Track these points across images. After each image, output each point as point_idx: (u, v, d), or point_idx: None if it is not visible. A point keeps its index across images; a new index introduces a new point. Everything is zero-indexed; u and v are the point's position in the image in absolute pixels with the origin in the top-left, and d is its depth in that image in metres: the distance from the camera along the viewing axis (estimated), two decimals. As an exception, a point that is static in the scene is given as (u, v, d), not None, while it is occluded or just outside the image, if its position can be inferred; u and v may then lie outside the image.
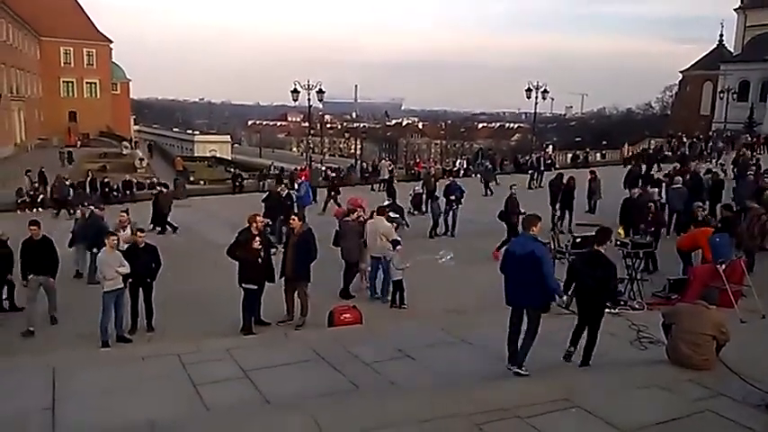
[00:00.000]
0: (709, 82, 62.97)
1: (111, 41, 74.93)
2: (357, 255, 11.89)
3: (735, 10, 63.27)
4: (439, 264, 10.97)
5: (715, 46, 65.61)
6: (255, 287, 9.68)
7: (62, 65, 70.85)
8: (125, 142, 58.07)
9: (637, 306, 10.24)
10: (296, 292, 10.09)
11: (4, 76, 50.42)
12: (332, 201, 22.70)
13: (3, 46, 51.95)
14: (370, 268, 11.85)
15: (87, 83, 72.89)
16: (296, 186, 22.56)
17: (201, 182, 36.87)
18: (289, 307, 10.19)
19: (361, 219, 12.29)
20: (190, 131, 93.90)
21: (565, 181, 18.84)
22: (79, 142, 60.30)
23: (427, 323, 9.81)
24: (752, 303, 9.62)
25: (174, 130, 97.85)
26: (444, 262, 10.87)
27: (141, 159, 45.21)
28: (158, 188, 22.43)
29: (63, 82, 71.36)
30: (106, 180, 28.06)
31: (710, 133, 48.43)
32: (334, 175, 27.81)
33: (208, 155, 70.80)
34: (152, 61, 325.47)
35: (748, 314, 9.33)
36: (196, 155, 72.09)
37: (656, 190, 17.48)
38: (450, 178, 22.29)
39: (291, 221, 10.46)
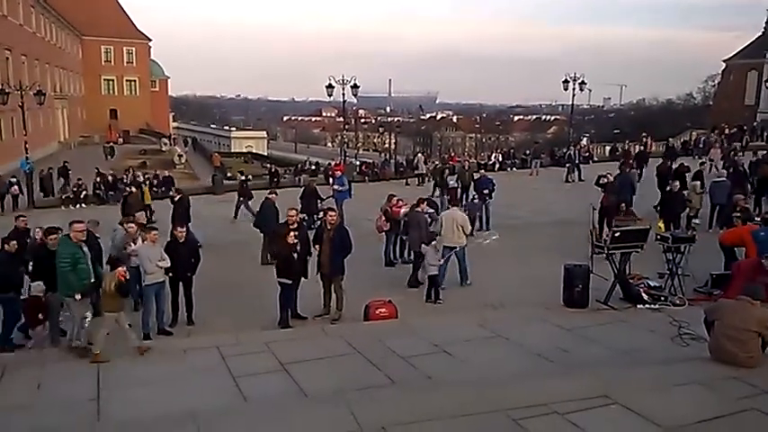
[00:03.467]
0: (754, 71, 61.04)
1: (149, 39, 76.37)
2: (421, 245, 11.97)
3: (781, -4, 61.18)
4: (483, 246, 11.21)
5: (760, 33, 63.62)
6: (291, 281, 9.78)
7: (103, 63, 72.62)
8: (164, 139, 59.21)
9: (678, 302, 10.04)
10: (332, 287, 10.18)
11: (48, 76, 51.86)
12: (243, 206, 20.57)
13: (47, 46, 53.45)
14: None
15: (127, 80, 74.55)
16: (330, 181, 22.44)
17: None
18: (326, 301, 10.29)
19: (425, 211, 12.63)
20: (227, 128, 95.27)
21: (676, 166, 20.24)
22: (121, 139, 61.75)
23: (464, 318, 9.79)
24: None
25: (212, 126, 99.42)
26: (489, 242, 11.18)
27: (180, 156, 46.05)
28: (127, 189, 21.53)
29: (104, 80, 73.16)
30: (147, 176, 28.67)
31: (754, 124, 47.05)
32: (243, 177, 24.01)
33: (244, 151, 71.71)
34: (189, 58, 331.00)
35: (795, 310, 9.04)
36: (233, 151, 73.12)
37: (698, 183, 17.12)
38: (482, 172, 22.02)
39: (328, 216, 10.51)
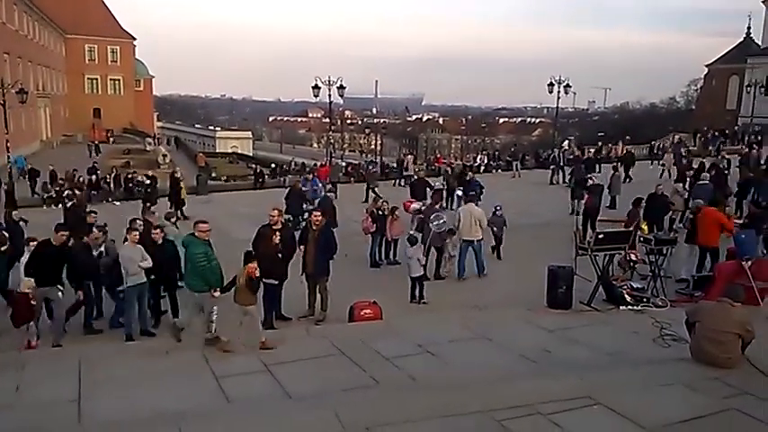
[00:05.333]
0: (736, 76, 61.86)
1: (134, 38, 75.79)
2: (438, 240, 12.49)
3: (762, 2, 62.10)
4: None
5: (742, 39, 64.44)
6: (275, 282, 9.73)
7: (86, 62, 71.92)
8: (148, 138, 58.75)
9: (660, 303, 10.12)
10: (317, 288, 10.15)
11: (31, 74, 51.25)
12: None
13: (29, 43, 52.83)
14: (456, 253, 12.56)
15: (111, 79, 73.87)
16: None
17: (223, 178, 37.17)
18: (310, 302, 10.25)
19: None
20: (211, 128, 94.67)
21: (696, 166, 21.13)
22: (112, 138, 61.25)
23: (448, 319, 9.81)
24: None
25: (196, 126, 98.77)
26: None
27: (164, 155, 45.68)
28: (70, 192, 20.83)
29: (87, 79, 72.44)
30: (130, 176, 28.44)
31: (735, 128, 47.66)
32: (148, 182, 23.78)
33: (229, 151, 71.35)
34: (174, 58, 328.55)
35: (775, 312, 9.16)
36: (217, 151, 72.70)
37: (681, 185, 17.32)
38: (470, 174, 22.18)
39: (313, 217, 10.50)
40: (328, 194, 15.69)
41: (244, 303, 8.20)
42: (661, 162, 28.04)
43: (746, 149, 29.48)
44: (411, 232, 12.04)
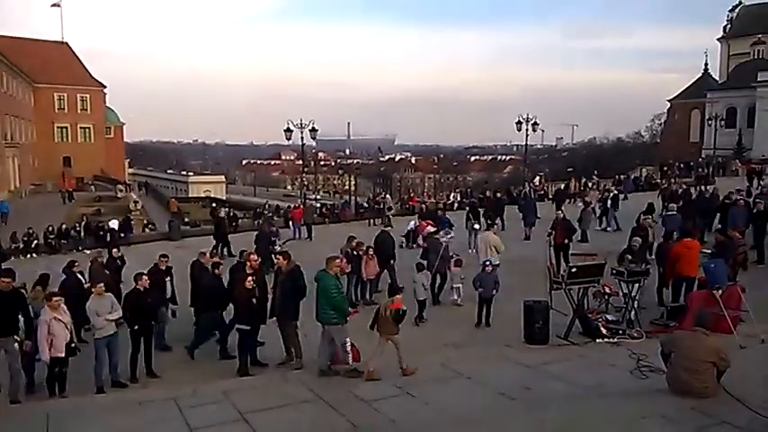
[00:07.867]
0: (697, 110, 63.89)
1: (104, 86, 75.64)
2: (443, 266, 13.34)
3: (718, 40, 64.72)
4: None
5: (700, 74, 66.77)
6: (249, 328, 9.55)
7: (56, 110, 71.23)
8: (119, 185, 58.17)
9: (635, 334, 10.19)
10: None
11: (-1, 124, 50.73)
12: None
13: (-2, 94, 52.43)
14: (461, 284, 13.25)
15: (81, 128, 73.16)
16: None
17: (197, 222, 36.79)
18: (287, 347, 10.02)
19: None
20: (184, 173, 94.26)
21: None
22: (92, 186, 60.62)
23: (426, 358, 9.72)
24: (751, 328, 9.58)
25: (169, 171, 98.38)
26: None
27: (136, 202, 45.16)
28: None
29: (57, 127, 71.64)
30: (101, 224, 28.00)
31: (699, 159, 48.91)
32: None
33: (202, 195, 70.91)
34: (145, 104, 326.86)
35: (747, 339, 9.28)
36: (191, 196, 72.26)
37: (650, 217, 17.58)
38: (439, 212, 22.56)
39: (277, 260, 10.35)
40: (384, 229, 15.93)
41: (388, 334, 8.57)
42: (587, 200, 28.42)
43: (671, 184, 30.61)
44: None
